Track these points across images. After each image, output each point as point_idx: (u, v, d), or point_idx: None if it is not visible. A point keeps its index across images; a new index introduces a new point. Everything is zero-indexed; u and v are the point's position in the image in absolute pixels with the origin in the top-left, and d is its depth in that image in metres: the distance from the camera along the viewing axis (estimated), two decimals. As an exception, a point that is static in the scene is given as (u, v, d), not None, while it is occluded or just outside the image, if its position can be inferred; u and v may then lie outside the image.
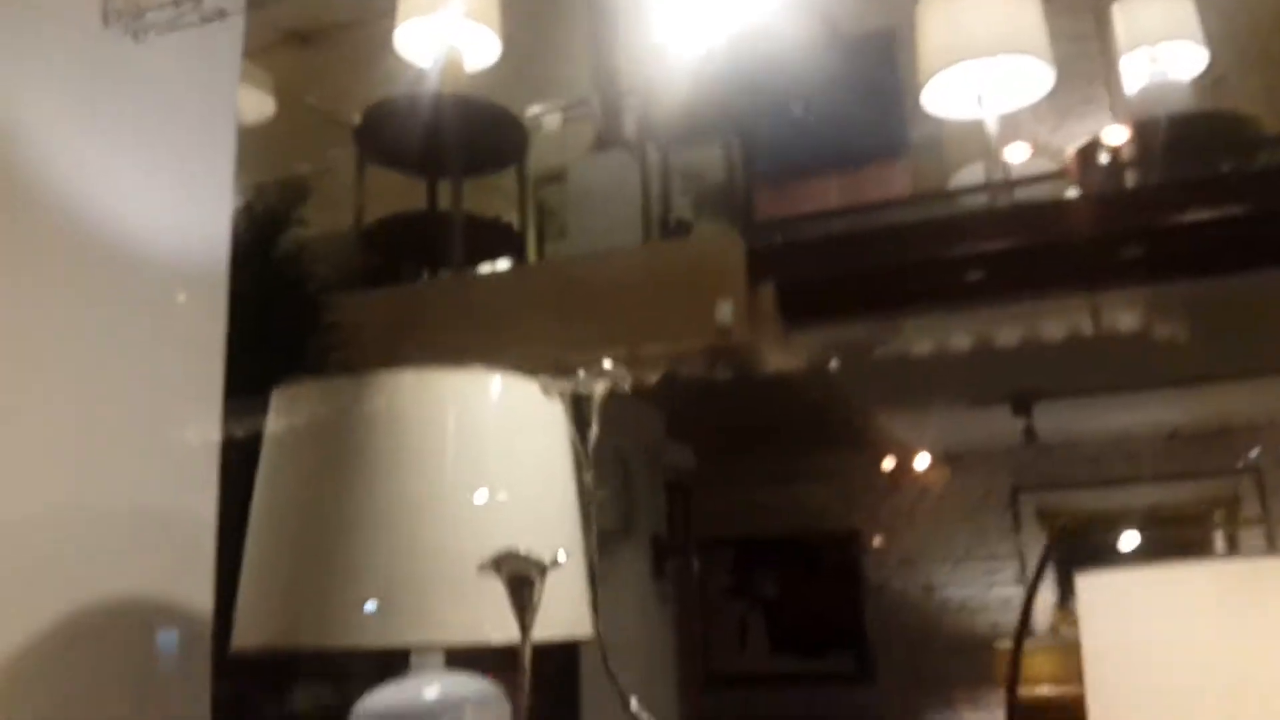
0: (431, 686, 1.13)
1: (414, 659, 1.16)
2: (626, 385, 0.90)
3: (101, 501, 1.33)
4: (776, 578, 7.62)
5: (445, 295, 4.14)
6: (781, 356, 4.17)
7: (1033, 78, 3.67)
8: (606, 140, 4.60)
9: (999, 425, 5.77)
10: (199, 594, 1.40)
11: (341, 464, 1.07)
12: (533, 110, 5.03)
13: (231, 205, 1.62)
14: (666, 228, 4.36)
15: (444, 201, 4.58)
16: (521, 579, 0.85)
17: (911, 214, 4.05)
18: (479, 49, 4.60)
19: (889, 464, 6.74)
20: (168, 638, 1.37)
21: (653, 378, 4.29)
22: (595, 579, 1.14)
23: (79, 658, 1.25)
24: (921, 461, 7.02)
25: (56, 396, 1.32)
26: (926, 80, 3.70)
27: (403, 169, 4.70)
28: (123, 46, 1.43)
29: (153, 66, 1.48)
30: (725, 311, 3.51)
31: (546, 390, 0.93)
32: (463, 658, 1.25)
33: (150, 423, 1.43)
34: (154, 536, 1.37)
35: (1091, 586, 0.97)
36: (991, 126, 3.67)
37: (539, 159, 4.87)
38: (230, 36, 1.61)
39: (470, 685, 1.15)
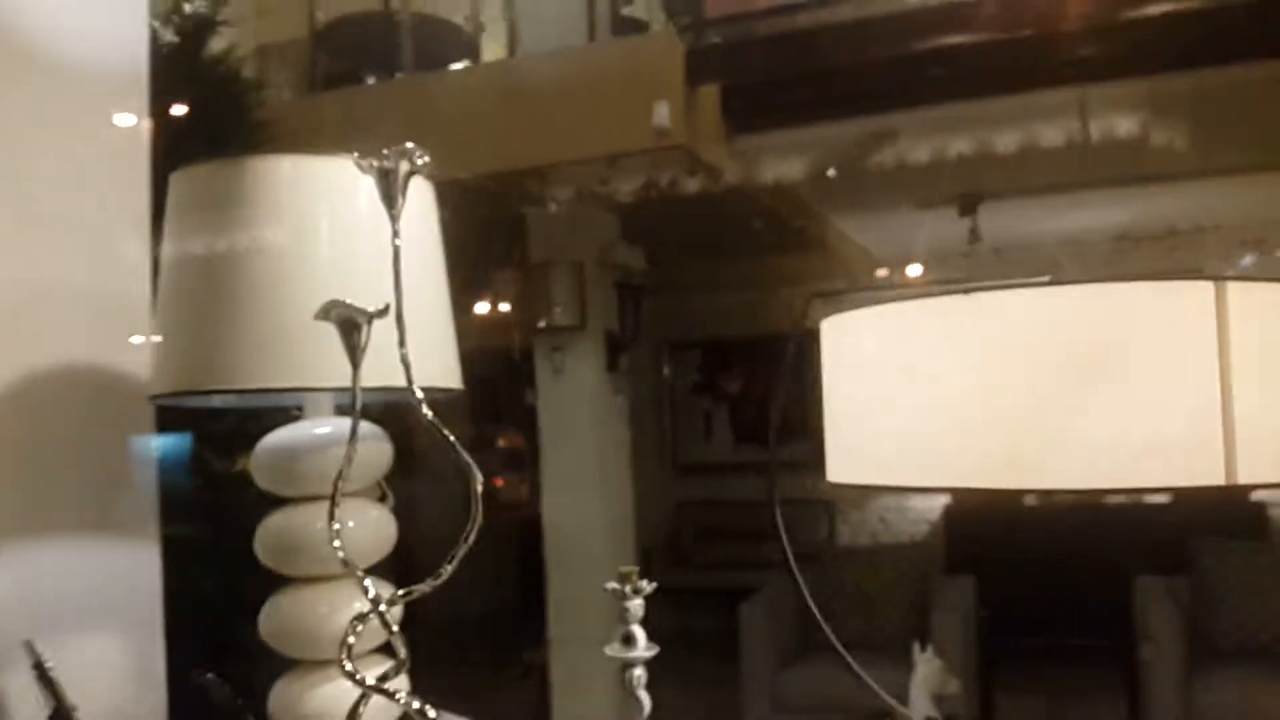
0: (322, 425, 1.32)
1: (307, 407, 1.35)
2: (424, 164, 1.03)
3: (47, 279, 1.49)
4: (740, 376, 7.96)
5: (392, 97, 4.18)
6: (727, 160, 4.25)
7: None
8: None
9: (947, 229, 5.91)
10: (137, 364, 1.57)
11: (227, 236, 1.22)
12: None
13: (146, 12, 1.70)
14: (617, 25, 4.33)
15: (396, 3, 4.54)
16: (349, 323, 1.01)
17: (868, 8, 4.01)
18: None
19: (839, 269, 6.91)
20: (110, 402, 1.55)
21: (604, 186, 4.40)
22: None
23: (37, 420, 1.44)
24: (876, 267, 7.19)
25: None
26: None
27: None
28: None
29: None
30: (662, 113, 3.57)
31: (359, 168, 1.05)
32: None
33: (89, 213, 1.57)
34: (98, 311, 1.53)
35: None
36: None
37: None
38: None
39: (364, 426, 1.35)
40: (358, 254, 1.24)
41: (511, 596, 6.54)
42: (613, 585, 1.28)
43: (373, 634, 1.11)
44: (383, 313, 1.01)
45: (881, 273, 7.11)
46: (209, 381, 1.21)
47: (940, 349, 0.97)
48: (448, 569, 0.99)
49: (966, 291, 0.96)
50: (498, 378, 7.10)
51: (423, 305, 1.32)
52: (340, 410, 1.37)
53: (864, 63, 4.22)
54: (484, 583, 6.27)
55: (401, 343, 1.01)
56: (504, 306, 4.81)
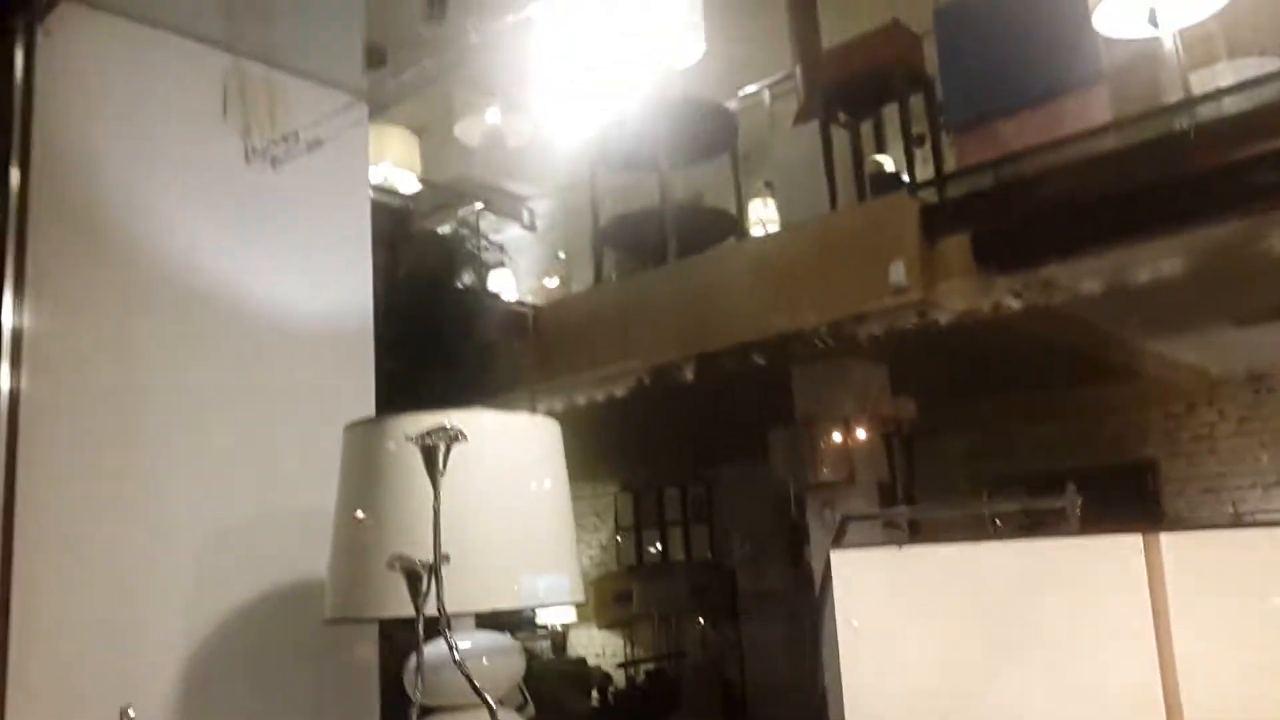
0: (464, 640, 1.50)
1: (453, 622, 1.54)
2: (465, 439, 1.20)
3: (280, 506, 1.84)
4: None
5: (668, 280, 4.52)
6: (983, 301, 4.11)
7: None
8: (808, 113, 4.72)
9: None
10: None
11: (375, 485, 1.46)
12: (744, 92, 5.25)
13: (370, 279, 2.07)
14: (864, 187, 4.43)
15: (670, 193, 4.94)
16: (412, 573, 1.20)
17: (1130, 138, 3.81)
18: (687, 51, 4.87)
19: (1174, 390, 6.25)
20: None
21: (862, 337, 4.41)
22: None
23: (268, 626, 1.77)
24: (1211, 385, 6.44)
25: (245, 432, 1.84)
26: (1095, 3, 3.50)
27: (632, 170, 5.12)
28: (266, 174, 1.92)
29: (293, 185, 1.96)
30: (898, 272, 3.58)
31: (404, 442, 1.24)
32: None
33: (318, 449, 1.92)
34: (319, 535, 1.85)
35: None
36: (1170, 43, 3.42)
37: (750, 133, 5.10)
38: (355, 147, 2.06)
39: (492, 638, 1.52)
40: (475, 504, 1.42)
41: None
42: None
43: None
44: (438, 564, 1.18)
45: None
46: (355, 611, 1.44)
47: (881, 600, 0.96)
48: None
49: (899, 545, 0.96)
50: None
51: (547, 534, 1.48)
52: (480, 623, 1.55)
53: (1131, 190, 3.96)
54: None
55: (439, 594, 1.16)
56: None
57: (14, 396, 1.67)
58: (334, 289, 2.02)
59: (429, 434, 1.20)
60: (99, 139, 1.79)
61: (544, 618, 8.72)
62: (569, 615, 9.30)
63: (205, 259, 1.85)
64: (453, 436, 1.20)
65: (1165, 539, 0.81)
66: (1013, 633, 0.85)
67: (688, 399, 4.97)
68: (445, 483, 1.32)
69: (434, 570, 1.17)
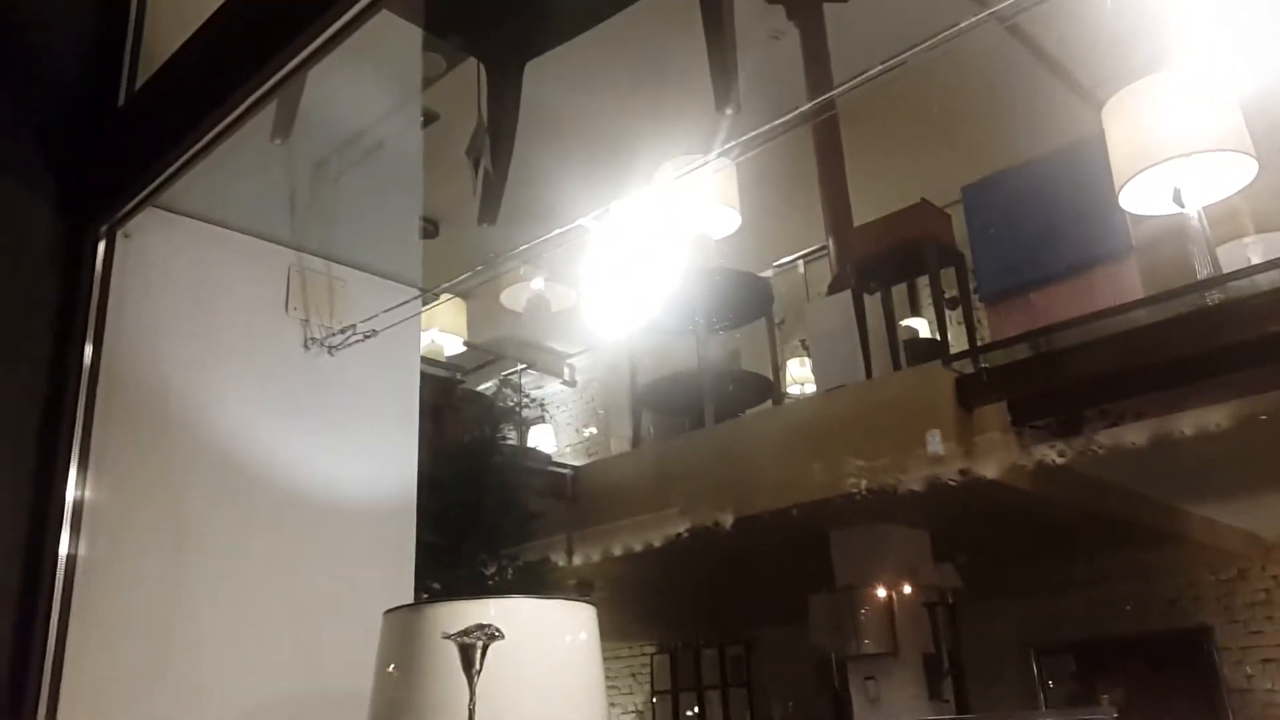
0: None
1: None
2: (501, 637, 1.21)
3: (317, 687, 1.83)
4: (1122, 681, 6.98)
5: (704, 443, 4.54)
6: (1026, 459, 4.08)
7: (1237, 167, 3.45)
8: (840, 284, 4.83)
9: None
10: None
11: (411, 674, 1.45)
12: (779, 262, 5.40)
13: (415, 458, 2.12)
14: (898, 351, 4.47)
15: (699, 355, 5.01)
16: None
17: (1137, 318, 3.87)
18: (725, 225, 5.06)
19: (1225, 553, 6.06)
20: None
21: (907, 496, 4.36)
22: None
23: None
24: (1266, 549, 6.23)
25: (288, 611, 1.85)
26: (1120, 184, 3.60)
27: (670, 334, 5.23)
28: (322, 360, 2.00)
29: (347, 370, 2.04)
30: (935, 441, 3.58)
31: (444, 637, 1.25)
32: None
33: (358, 630, 1.92)
34: (352, 710, 1.83)
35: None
36: (1197, 219, 3.48)
37: (785, 299, 5.21)
38: (407, 334, 2.14)
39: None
40: (510, 699, 1.40)
41: None
42: None
43: None
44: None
45: None
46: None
47: None
48: None
49: None
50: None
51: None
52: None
53: (1168, 361, 3.97)
54: None
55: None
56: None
57: (70, 562, 1.71)
58: (381, 469, 2.06)
59: (467, 633, 1.20)
60: (168, 327, 1.88)
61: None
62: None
63: (260, 442, 1.91)
64: (490, 635, 1.20)
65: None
66: None
67: (726, 559, 4.90)
68: (481, 678, 1.31)
69: None
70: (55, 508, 1.73)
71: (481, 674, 1.41)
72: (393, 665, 1.48)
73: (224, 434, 1.89)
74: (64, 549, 1.71)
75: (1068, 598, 6.49)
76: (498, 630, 1.22)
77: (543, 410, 7.87)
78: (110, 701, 1.65)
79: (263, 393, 1.94)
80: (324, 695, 1.82)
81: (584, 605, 1.54)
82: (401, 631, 1.50)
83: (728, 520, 4.40)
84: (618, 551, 4.73)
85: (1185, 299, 3.70)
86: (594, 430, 7.23)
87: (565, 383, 8.03)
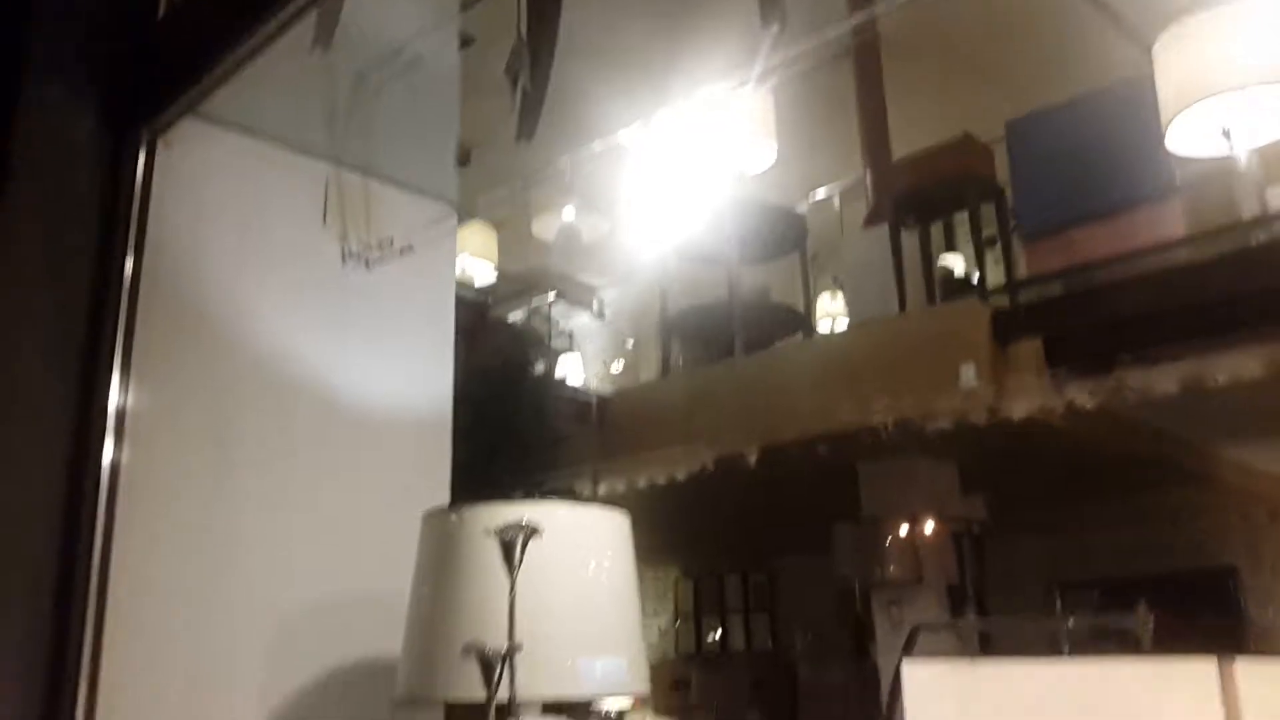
0: (522, 729, 1.51)
1: (521, 708, 1.55)
2: (539, 533, 1.23)
3: (355, 588, 1.89)
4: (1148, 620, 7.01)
5: (734, 373, 4.55)
6: (1057, 401, 4.05)
7: (1289, 103, 3.35)
8: (877, 217, 4.78)
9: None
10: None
11: (450, 572, 1.49)
12: (814, 195, 5.34)
13: (450, 373, 2.15)
14: (933, 288, 4.43)
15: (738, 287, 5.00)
16: (486, 659, 1.22)
17: (1176, 256, 3.80)
18: (760, 158, 4.99)
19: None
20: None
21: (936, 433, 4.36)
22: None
23: (337, 703, 1.80)
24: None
25: (327, 515, 1.90)
26: (1168, 122, 3.50)
27: (703, 265, 5.21)
28: (360, 274, 2.02)
29: (384, 285, 2.05)
30: (968, 374, 3.56)
31: (485, 533, 1.28)
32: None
33: (397, 536, 1.97)
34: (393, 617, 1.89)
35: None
36: (1245, 160, 3.39)
37: (819, 234, 5.17)
38: (443, 251, 2.15)
39: (557, 723, 1.53)
40: (547, 595, 1.44)
41: None
42: None
43: None
44: (512, 652, 1.20)
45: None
46: (426, 692, 1.47)
47: (953, 715, 0.96)
48: None
49: (971, 659, 0.95)
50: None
51: (614, 625, 1.50)
52: (546, 709, 1.56)
53: (1207, 301, 3.90)
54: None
55: (512, 682, 1.19)
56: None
57: (114, 468, 1.76)
58: (417, 383, 2.09)
59: (507, 529, 1.23)
60: (207, 238, 1.91)
61: (599, 706, 8.59)
62: (624, 702, 9.11)
63: (298, 351, 1.94)
64: (530, 531, 1.23)
65: (1241, 666, 0.80)
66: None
67: (751, 488, 4.94)
68: (519, 577, 1.34)
69: (507, 657, 1.20)
70: (98, 416, 1.77)
71: (520, 571, 1.44)
72: (433, 562, 1.52)
73: (263, 343, 1.92)
74: (108, 456, 1.75)
75: (1095, 537, 6.50)
76: (537, 527, 1.25)
77: (571, 341, 7.89)
78: (155, 604, 1.71)
79: (301, 304, 1.97)
80: (363, 597, 1.87)
81: (618, 512, 1.57)
82: (441, 531, 1.54)
83: (754, 452, 4.43)
84: (642, 483, 4.78)
85: (1228, 238, 3.63)
86: (621, 363, 7.26)
87: (595, 315, 8.05)
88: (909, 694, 1.10)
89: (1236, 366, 4.13)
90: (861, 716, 6.25)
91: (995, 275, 4.81)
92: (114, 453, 1.77)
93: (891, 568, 4.29)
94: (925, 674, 1.07)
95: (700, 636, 9.70)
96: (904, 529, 4.34)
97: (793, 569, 8.61)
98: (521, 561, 1.25)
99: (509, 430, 3.34)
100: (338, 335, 2.00)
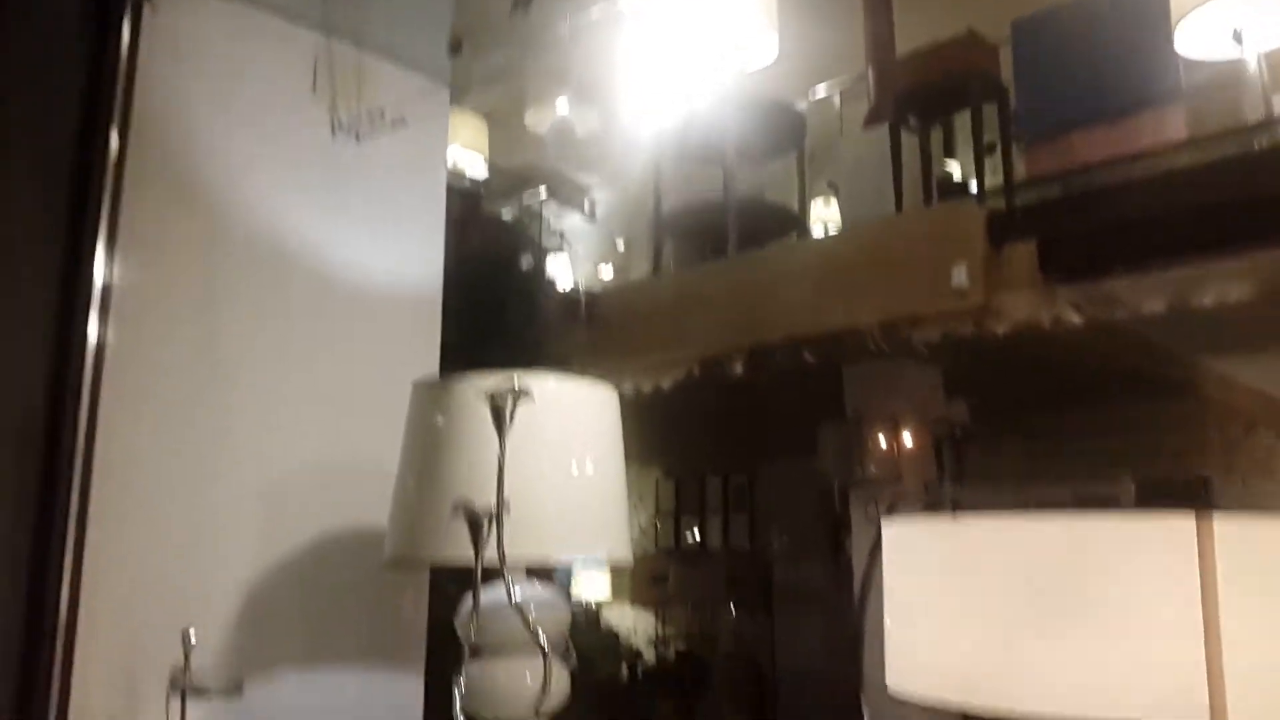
0: (516, 588, 1.54)
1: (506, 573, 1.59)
2: (531, 397, 1.24)
3: (349, 458, 1.91)
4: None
5: (727, 273, 4.53)
6: (1044, 313, 4.06)
7: (1304, 3, 3.28)
8: (878, 115, 4.70)
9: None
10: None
11: (440, 438, 1.51)
12: (814, 93, 5.24)
13: (441, 251, 2.14)
14: (931, 192, 4.39)
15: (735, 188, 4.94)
16: (474, 518, 1.24)
17: (1177, 160, 3.76)
18: (761, 53, 4.86)
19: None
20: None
21: (922, 341, 4.38)
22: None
23: (324, 567, 1.84)
24: (1276, 409, 6.28)
25: (316, 387, 1.91)
26: (1178, 21, 3.43)
27: (697, 163, 5.13)
28: (350, 148, 1.99)
29: (375, 159, 2.02)
30: (960, 275, 3.55)
31: (472, 397, 1.28)
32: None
33: (389, 409, 1.98)
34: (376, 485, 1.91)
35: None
36: (1255, 64, 3.34)
37: (817, 134, 5.09)
38: (435, 128, 2.12)
39: (538, 589, 1.57)
40: (536, 460, 1.46)
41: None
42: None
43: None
44: (500, 511, 1.22)
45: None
46: (414, 552, 1.50)
47: (929, 568, 0.99)
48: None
49: (953, 513, 0.98)
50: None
51: (601, 494, 1.53)
52: (530, 574, 1.60)
53: (1199, 208, 3.89)
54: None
55: (500, 540, 1.21)
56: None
57: (100, 344, 1.76)
58: (407, 258, 2.09)
59: (498, 391, 1.24)
60: (195, 108, 1.87)
61: (578, 593, 8.84)
62: (604, 592, 9.41)
63: (289, 223, 1.92)
64: (520, 394, 1.24)
65: (1219, 521, 0.83)
66: (1058, 607, 0.87)
67: (736, 392, 4.97)
68: (509, 438, 1.35)
69: (495, 516, 1.21)
70: (84, 291, 1.75)
71: (509, 438, 1.46)
72: (423, 429, 1.54)
73: (253, 216, 1.90)
74: (93, 333, 1.74)
75: (1075, 444, 6.60)
76: (528, 390, 1.26)
77: (562, 240, 7.83)
78: (142, 480, 1.72)
79: (291, 177, 1.94)
80: (354, 467, 1.90)
81: (605, 386, 1.58)
82: (431, 397, 1.55)
83: (741, 353, 4.44)
84: (628, 389, 4.80)
85: (1231, 142, 3.59)
86: (611, 267, 7.20)
87: (586, 216, 7.97)
88: (888, 552, 1.13)
89: (1224, 289, 4.14)
90: (834, 609, 6.43)
91: (994, 182, 4.77)
92: (99, 329, 1.75)
93: (871, 467, 4.36)
94: (904, 531, 1.10)
95: (679, 534, 9.92)
96: (885, 430, 4.40)
97: (774, 473, 8.75)
98: (511, 424, 1.25)
99: (498, 323, 3.34)
100: (329, 209, 1.98)
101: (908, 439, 4.44)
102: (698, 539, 9.78)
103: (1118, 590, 0.85)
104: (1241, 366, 5.71)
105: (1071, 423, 6.20)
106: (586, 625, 9.26)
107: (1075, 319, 4.18)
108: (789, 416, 4.99)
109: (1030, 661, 0.88)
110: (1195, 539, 0.83)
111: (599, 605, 9.49)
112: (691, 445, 8.48)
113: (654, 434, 7.01)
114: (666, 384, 4.79)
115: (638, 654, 8.88)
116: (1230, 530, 0.83)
